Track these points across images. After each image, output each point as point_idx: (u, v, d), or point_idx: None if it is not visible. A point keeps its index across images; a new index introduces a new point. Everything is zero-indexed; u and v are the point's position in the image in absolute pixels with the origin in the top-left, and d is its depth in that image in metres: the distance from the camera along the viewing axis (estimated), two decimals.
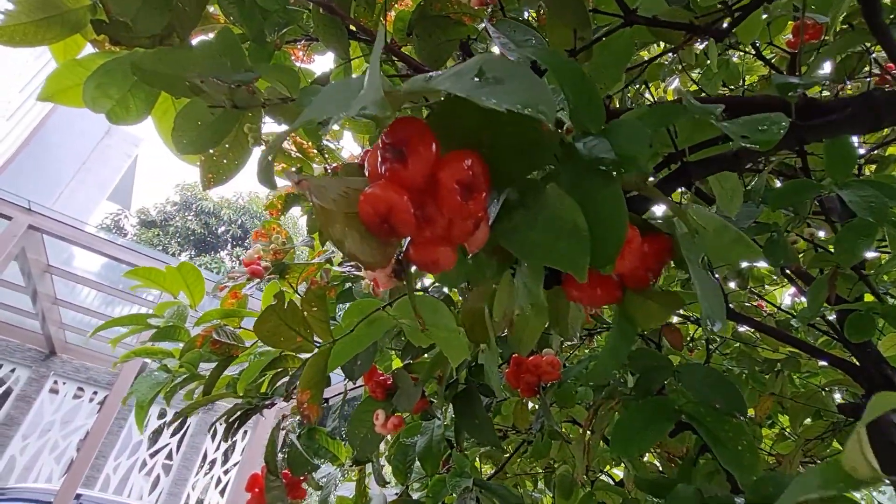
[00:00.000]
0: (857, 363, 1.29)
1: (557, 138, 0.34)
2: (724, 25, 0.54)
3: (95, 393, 9.07)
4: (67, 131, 12.77)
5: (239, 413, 1.07)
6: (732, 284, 2.01)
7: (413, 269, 0.39)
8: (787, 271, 1.64)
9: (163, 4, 0.64)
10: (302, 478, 1.08)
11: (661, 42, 0.79)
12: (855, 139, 1.92)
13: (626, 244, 0.41)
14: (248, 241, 17.18)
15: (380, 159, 0.31)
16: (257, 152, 0.70)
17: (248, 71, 0.52)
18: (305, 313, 0.60)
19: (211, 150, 0.64)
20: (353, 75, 0.94)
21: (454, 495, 1.22)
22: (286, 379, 1.09)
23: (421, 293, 0.71)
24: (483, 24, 0.82)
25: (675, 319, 2.26)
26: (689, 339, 2.20)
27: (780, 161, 1.04)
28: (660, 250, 0.43)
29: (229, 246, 17.66)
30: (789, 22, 1.31)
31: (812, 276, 1.43)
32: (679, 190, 1.60)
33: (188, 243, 17.68)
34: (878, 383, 1.22)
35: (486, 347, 0.96)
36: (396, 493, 1.35)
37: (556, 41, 0.58)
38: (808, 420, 1.70)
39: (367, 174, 0.33)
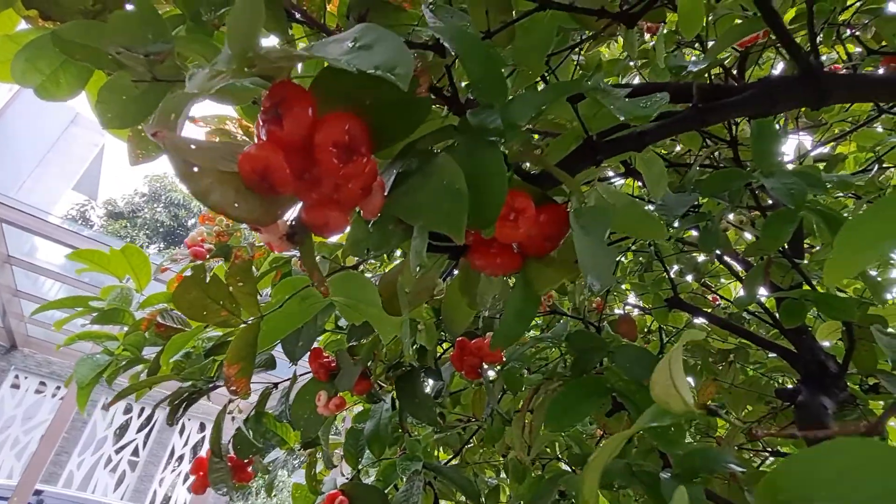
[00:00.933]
0: (795, 350, 1.35)
1: (429, 101, 0.36)
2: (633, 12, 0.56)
3: (58, 388, 8.83)
4: (31, 119, 12.34)
5: (185, 395, 1.06)
6: (689, 278, 2.07)
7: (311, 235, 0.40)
8: (731, 264, 1.70)
9: None
10: (247, 461, 1.08)
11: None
12: (808, 139, 1.99)
13: (520, 212, 0.43)
14: None
15: (260, 122, 0.32)
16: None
17: (164, 42, 0.52)
18: (231, 288, 0.61)
19: (140, 126, 0.64)
20: None
21: (404, 478, 1.24)
22: None
23: (350, 270, 0.72)
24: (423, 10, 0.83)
25: (635, 313, 2.33)
26: (645, 330, 2.25)
27: (711, 152, 1.08)
28: (555, 220, 0.45)
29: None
30: (736, 20, 1.35)
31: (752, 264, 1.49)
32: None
33: (157, 235, 17.28)
34: (811, 369, 1.28)
35: (423, 327, 0.97)
36: (348, 477, 1.36)
37: (477, 22, 0.59)
38: (750, 407, 1.77)
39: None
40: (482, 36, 0.56)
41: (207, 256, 1.06)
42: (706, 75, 1.09)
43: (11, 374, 8.51)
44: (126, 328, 1.07)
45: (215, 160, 0.31)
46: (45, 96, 0.71)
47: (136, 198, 18.24)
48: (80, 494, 7.61)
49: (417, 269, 0.44)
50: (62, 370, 8.84)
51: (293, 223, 0.38)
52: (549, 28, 0.58)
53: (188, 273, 1.08)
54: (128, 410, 8.97)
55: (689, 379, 2.31)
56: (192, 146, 0.31)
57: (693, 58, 0.51)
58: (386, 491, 1.27)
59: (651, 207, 0.97)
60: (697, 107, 0.51)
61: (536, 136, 0.90)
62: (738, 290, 2.55)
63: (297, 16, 0.83)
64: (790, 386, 1.70)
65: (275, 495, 11.95)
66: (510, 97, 0.44)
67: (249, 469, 1.10)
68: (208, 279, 0.57)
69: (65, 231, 6.35)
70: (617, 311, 2.22)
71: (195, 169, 0.29)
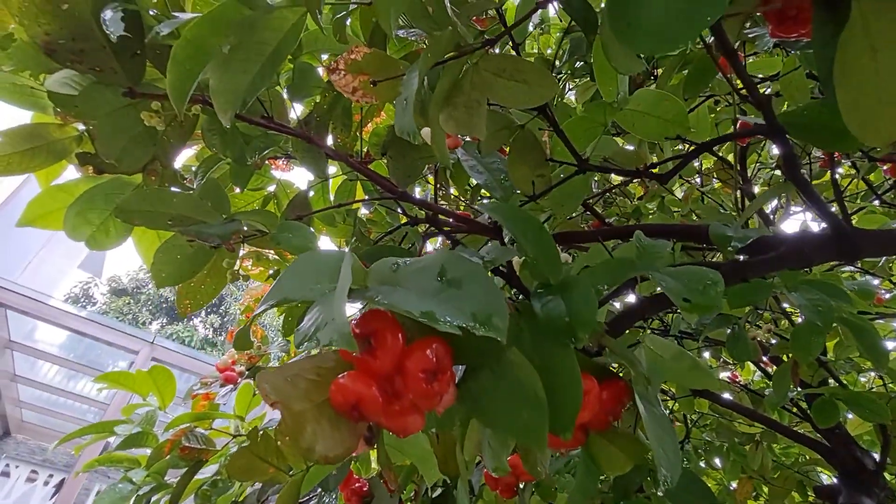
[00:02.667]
0: (828, 444, 1.32)
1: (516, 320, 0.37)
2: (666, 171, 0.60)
3: (51, 476, 8.46)
4: None
5: None
6: (707, 355, 2.05)
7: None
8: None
9: (147, 142, 0.67)
10: None
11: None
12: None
13: (585, 395, 0.43)
14: (222, 307, 16.83)
15: (360, 347, 0.33)
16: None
17: (229, 221, 0.55)
18: (279, 442, 0.60)
19: (190, 282, 0.66)
20: (326, 250, 0.98)
21: None
22: (258, 485, 1.06)
23: None
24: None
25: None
26: (668, 412, 2.20)
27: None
28: (617, 394, 0.45)
29: (203, 313, 17.24)
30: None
31: (780, 359, 1.48)
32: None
33: (160, 311, 17.21)
34: (849, 466, 1.24)
35: (460, 482, 0.96)
36: None
37: (517, 178, 0.63)
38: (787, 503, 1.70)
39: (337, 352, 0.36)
40: (525, 201, 0.59)
41: (238, 380, 1.06)
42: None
43: (2, 462, 8.19)
44: (150, 451, 1.05)
45: (306, 393, 0.31)
46: (95, 246, 0.74)
47: (141, 274, 18.33)
48: None
49: (494, 469, 0.44)
50: (56, 457, 8.52)
51: (371, 428, 0.38)
52: (584, 183, 0.62)
53: (243, 444, 1.07)
54: None
55: (717, 460, 2.23)
56: (284, 379, 0.32)
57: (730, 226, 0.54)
58: None
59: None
60: (737, 262, 0.53)
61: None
62: (755, 370, 2.52)
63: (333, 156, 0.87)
64: (826, 481, 1.65)
65: None
66: (565, 276, 0.46)
67: None
68: (259, 440, 0.57)
69: (65, 314, 6.34)
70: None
71: (298, 414, 0.30)
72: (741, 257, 0.55)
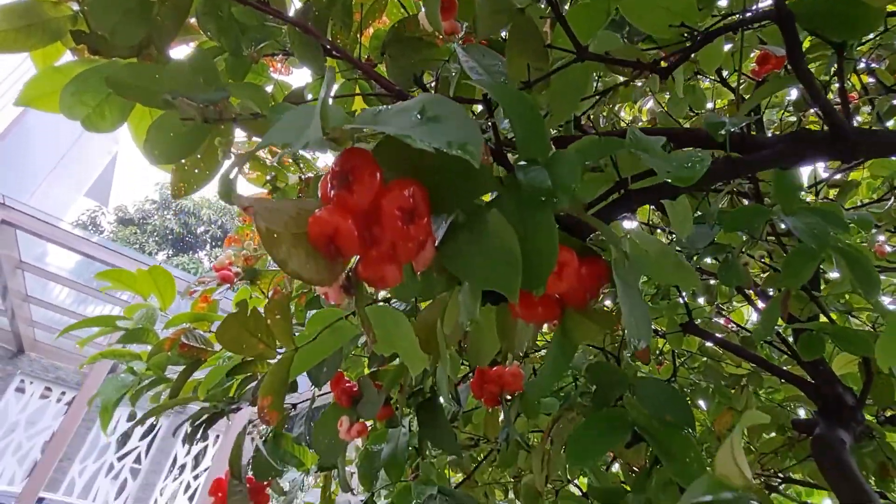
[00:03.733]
0: (812, 381, 1.35)
1: (492, 169, 0.37)
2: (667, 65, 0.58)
3: (63, 393, 8.85)
4: (46, 126, 12.53)
5: (205, 417, 1.08)
6: (701, 300, 2.07)
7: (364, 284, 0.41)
8: (746, 291, 1.70)
9: (141, 19, 0.66)
10: (266, 483, 1.09)
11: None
12: (821, 164, 2.00)
13: (563, 266, 0.44)
14: None
15: (330, 185, 0.34)
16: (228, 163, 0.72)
17: (218, 90, 0.54)
18: (269, 321, 0.62)
19: (183, 161, 0.66)
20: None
21: (418, 502, 1.24)
22: (255, 384, 1.10)
23: (383, 304, 0.73)
24: (454, 47, 0.85)
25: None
26: (657, 352, 2.25)
27: (734, 186, 1.09)
28: (596, 273, 0.46)
29: (208, 246, 17.42)
30: (757, 50, 1.38)
31: (770, 296, 1.49)
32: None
33: (166, 242, 17.40)
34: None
35: (440, 362, 0.99)
36: (362, 500, 1.36)
37: (514, 71, 0.61)
38: (766, 435, 1.76)
39: (320, 197, 0.36)
40: (521, 86, 0.58)
41: (235, 280, 1.08)
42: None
43: (17, 378, 8.54)
44: (150, 347, 1.09)
45: (287, 222, 0.32)
46: (91, 128, 0.73)
47: (147, 205, 18.41)
48: (81, 502, 7.58)
49: (467, 322, 0.45)
50: (68, 375, 8.87)
51: (349, 276, 0.39)
52: (583, 74, 0.60)
53: (214, 296, 1.09)
54: (131, 418, 8.96)
55: (702, 402, 2.30)
56: (266, 209, 0.32)
57: (726, 117, 0.53)
58: None
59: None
60: (730, 158, 0.52)
61: None
62: (750, 313, 2.55)
63: (333, 52, 0.85)
64: (805, 416, 1.70)
65: None
66: (551, 152, 0.46)
67: (266, 492, 1.10)
68: (249, 314, 0.58)
69: (75, 237, 6.40)
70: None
71: (274, 235, 0.31)
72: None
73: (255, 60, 0.84)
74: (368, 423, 1.03)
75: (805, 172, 1.95)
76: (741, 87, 1.70)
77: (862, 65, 1.46)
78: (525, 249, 0.37)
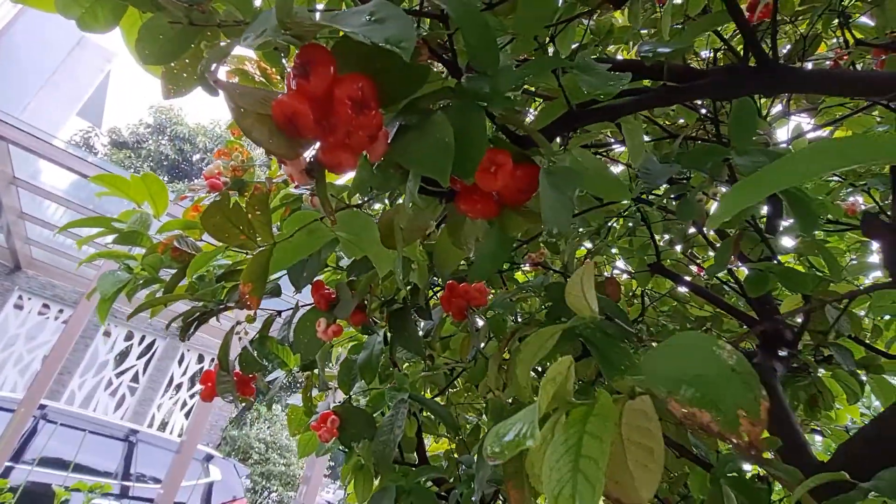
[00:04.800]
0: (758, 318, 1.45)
1: (428, 69, 0.43)
2: None
3: (61, 311, 9.07)
4: (36, 39, 12.08)
5: (197, 315, 1.17)
6: (678, 248, 2.17)
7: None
8: (707, 234, 1.78)
9: None
10: (251, 376, 1.20)
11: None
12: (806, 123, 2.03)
13: (499, 167, 0.51)
14: None
15: (291, 76, 0.40)
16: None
17: None
18: (249, 215, 0.70)
19: (172, 63, 0.71)
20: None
21: (390, 405, 1.37)
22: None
23: (356, 209, 0.81)
24: None
25: (623, 277, 2.44)
26: (630, 294, 2.36)
27: (699, 126, 1.15)
28: (530, 175, 0.53)
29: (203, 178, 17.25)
30: None
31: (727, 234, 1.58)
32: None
33: (161, 168, 17.24)
34: (768, 335, 1.39)
35: (417, 267, 1.07)
36: (341, 401, 1.50)
37: None
38: None
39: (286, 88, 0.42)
40: (484, 7, 0.62)
41: (223, 189, 1.14)
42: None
43: (15, 294, 8.73)
44: (144, 250, 1.17)
45: (255, 104, 0.39)
46: (85, 28, 0.77)
47: (142, 128, 18.08)
48: (82, 411, 7.96)
49: (410, 206, 0.52)
50: (65, 293, 9.06)
51: (311, 161, 0.46)
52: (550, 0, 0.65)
53: (212, 200, 1.16)
54: (129, 338, 9.26)
55: None
56: (238, 91, 0.39)
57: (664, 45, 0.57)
58: (374, 416, 1.41)
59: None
60: (666, 86, 0.58)
61: (540, 101, 0.96)
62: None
63: None
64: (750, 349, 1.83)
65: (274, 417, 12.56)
66: (501, 66, 0.51)
67: (252, 385, 1.22)
68: (231, 206, 0.66)
69: (70, 156, 6.35)
70: (606, 274, 2.33)
71: (242, 110, 0.37)
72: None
73: None
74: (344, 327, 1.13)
75: (790, 126, 1.99)
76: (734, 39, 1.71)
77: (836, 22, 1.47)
78: (459, 143, 0.43)
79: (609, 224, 1.93)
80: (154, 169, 17.08)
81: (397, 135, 0.47)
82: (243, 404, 1.20)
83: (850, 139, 0.25)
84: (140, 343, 9.41)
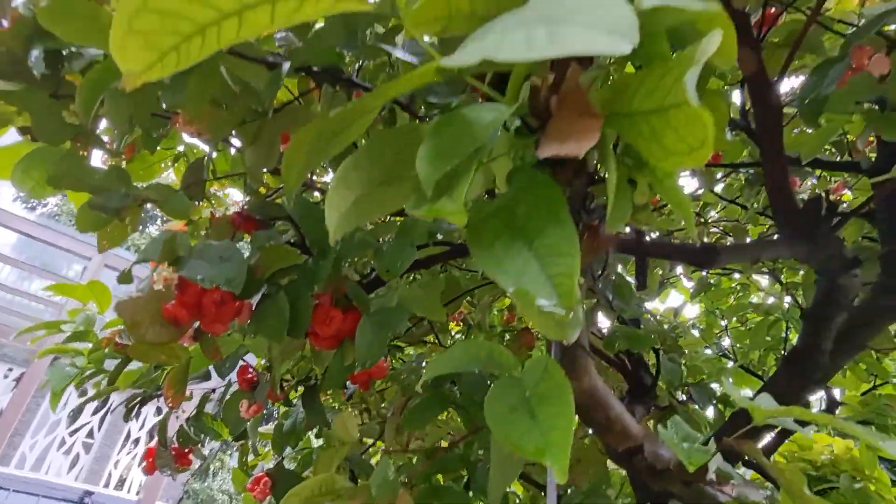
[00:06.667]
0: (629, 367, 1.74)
1: (291, 252, 0.68)
2: None
3: (10, 370, 8.77)
4: None
5: (137, 400, 1.36)
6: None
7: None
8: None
9: (71, 128, 0.92)
10: (188, 449, 1.39)
11: None
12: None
13: (332, 318, 0.75)
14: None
15: (175, 288, 0.64)
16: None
17: (129, 195, 0.81)
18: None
19: (107, 228, 0.93)
20: None
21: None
22: None
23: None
24: None
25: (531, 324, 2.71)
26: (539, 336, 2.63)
27: None
28: (356, 319, 0.77)
29: (160, 222, 17.07)
30: None
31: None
32: None
33: None
34: (634, 383, 1.67)
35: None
36: (273, 463, 1.69)
37: None
38: None
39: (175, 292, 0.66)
40: None
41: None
42: None
43: None
44: (91, 345, 1.36)
45: (147, 315, 0.62)
46: (35, 196, 0.99)
47: None
48: (32, 475, 7.67)
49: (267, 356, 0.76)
50: (14, 353, 8.78)
51: (197, 329, 0.70)
52: None
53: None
54: (83, 393, 8.98)
55: None
56: (132, 308, 0.62)
57: None
58: (304, 474, 1.60)
59: None
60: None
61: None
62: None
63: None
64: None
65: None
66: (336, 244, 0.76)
67: (190, 457, 1.40)
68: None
69: (13, 216, 6.35)
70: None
71: (136, 321, 0.60)
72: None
73: (163, 136, 1.10)
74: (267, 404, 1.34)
75: None
76: None
77: None
78: (293, 312, 0.68)
79: None
80: None
81: (258, 304, 0.71)
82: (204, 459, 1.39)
83: None
84: (83, 371, 9.12)
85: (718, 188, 1.93)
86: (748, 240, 1.93)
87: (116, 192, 0.82)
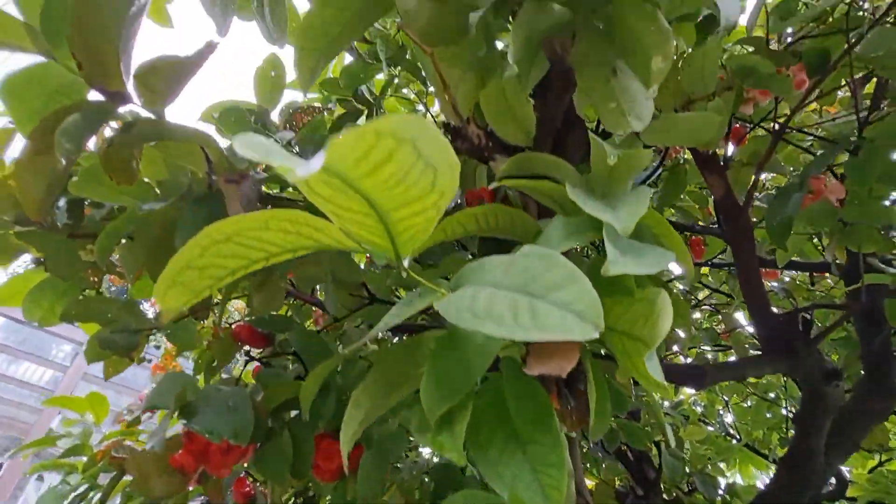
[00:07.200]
0: (632, 460, 1.72)
1: (255, 424, 0.70)
2: None
3: None
4: None
5: None
6: None
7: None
8: None
9: (85, 263, 0.97)
10: None
11: None
12: None
13: (335, 453, 0.77)
14: None
15: (183, 439, 0.66)
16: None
17: (133, 332, 0.85)
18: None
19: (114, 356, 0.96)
20: None
21: None
22: None
23: None
24: None
25: None
26: None
27: None
28: (359, 455, 0.79)
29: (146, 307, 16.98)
30: None
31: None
32: None
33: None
34: (638, 477, 1.64)
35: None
36: None
37: None
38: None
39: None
40: None
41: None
42: None
43: None
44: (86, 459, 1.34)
45: (153, 466, 0.64)
46: (45, 324, 1.02)
47: None
48: None
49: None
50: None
51: (203, 472, 0.71)
52: None
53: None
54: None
55: None
56: (139, 462, 0.64)
57: None
58: None
59: None
60: None
61: None
62: None
63: None
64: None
65: None
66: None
67: None
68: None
69: None
70: None
71: (143, 476, 0.62)
72: None
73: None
74: None
75: None
76: None
77: None
78: (296, 452, 0.69)
79: None
80: None
81: (261, 445, 0.73)
82: None
83: None
84: (75, 489, 8.69)
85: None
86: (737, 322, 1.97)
87: (126, 331, 0.85)
